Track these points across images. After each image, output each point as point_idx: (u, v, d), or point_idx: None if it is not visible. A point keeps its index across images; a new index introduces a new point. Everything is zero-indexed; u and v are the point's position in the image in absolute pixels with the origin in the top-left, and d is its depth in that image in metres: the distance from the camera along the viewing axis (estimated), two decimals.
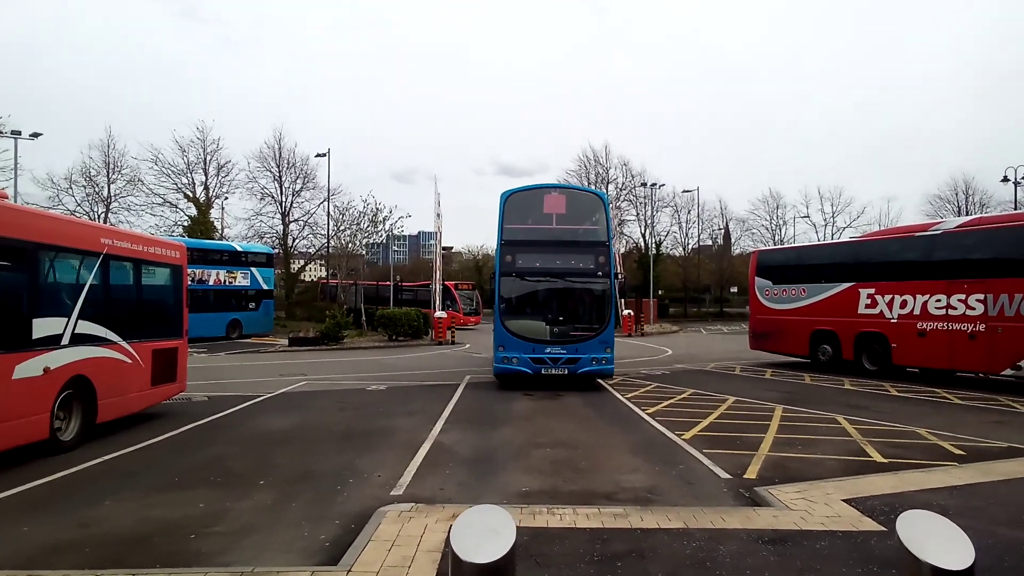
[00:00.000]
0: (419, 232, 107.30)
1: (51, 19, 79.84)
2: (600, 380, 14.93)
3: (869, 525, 5.37)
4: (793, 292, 18.99)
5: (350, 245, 36.53)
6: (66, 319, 8.42)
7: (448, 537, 2.27)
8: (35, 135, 33.33)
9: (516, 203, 14.58)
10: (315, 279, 58.50)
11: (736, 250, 60.67)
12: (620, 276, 15.55)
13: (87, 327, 8.79)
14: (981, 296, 13.93)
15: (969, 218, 16.97)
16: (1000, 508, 5.87)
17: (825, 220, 56.81)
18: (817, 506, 5.89)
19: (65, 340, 8.35)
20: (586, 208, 15.72)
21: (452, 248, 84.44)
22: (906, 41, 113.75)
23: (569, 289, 14.66)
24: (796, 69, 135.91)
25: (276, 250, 43.00)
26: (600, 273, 14.06)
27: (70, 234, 8.85)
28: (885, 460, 7.93)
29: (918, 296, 15.27)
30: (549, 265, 14.29)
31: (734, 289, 56.20)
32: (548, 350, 13.66)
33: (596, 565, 4.60)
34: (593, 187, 47.04)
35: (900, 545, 2.17)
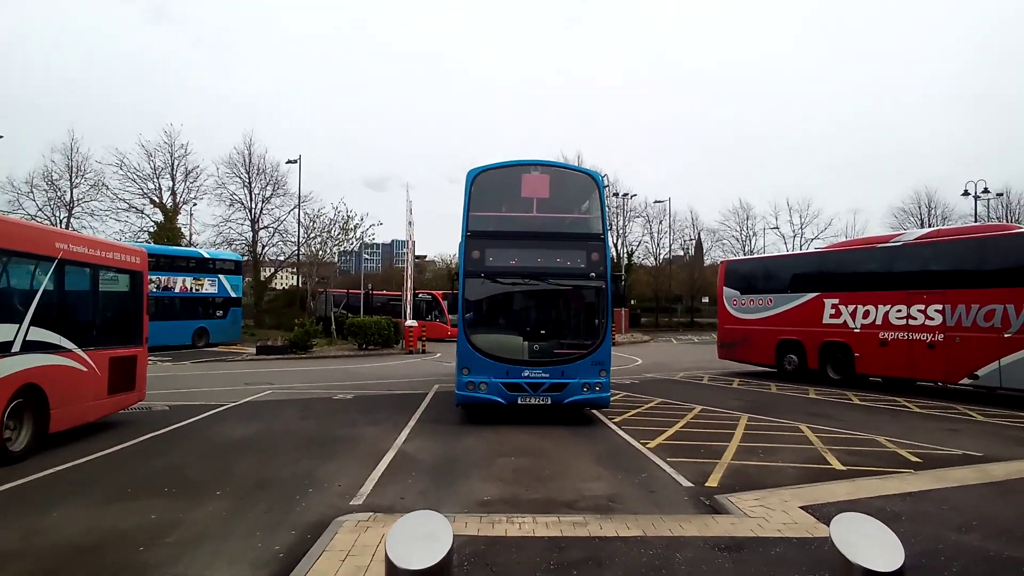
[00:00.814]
0: (392, 240, 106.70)
1: (11, 19, 78.02)
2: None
3: (824, 531, 5.40)
4: (760, 302, 19.24)
5: (320, 252, 36.18)
6: (17, 325, 8.17)
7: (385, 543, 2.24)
8: None
9: (486, 184, 11.64)
10: (287, 287, 57.70)
11: (708, 260, 61.37)
12: (621, 278, 12.34)
13: (40, 334, 8.55)
14: (939, 307, 14.27)
15: (929, 230, 17.39)
16: (951, 513, 5.99)
17: (794, 231, 57.83)
18: (775, 513, 5.94)
19: (16, 347, 8.10)
20: (576, 191, 12.52)
21: (426, 257, 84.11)
22: (874, 58, 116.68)
23: (554, 294, 11.81)
24: (767, 84, 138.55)
25: (245, 257, 42.41)
26: (593, 274, 11.21)
27: (21, 238, 8.60)
28: (844, 467, 8.04)
29: (880, 306, 15.59)
30: (528, 263, 11.37)
31: (705, 299, 56.63)
32: (526, 373, 10.80)
33: (552, 573, 4.58)
34: None
35: (832, 547, 2.19)
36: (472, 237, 11.30)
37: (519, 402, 10.76)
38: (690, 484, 7.31)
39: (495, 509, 6.27)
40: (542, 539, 5.25)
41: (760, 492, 6.71)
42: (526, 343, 11.18)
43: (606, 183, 11.28)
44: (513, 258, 11.46)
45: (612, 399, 13.95)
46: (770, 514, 5.90)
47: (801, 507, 6.12)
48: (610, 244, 11.09)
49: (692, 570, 4.63)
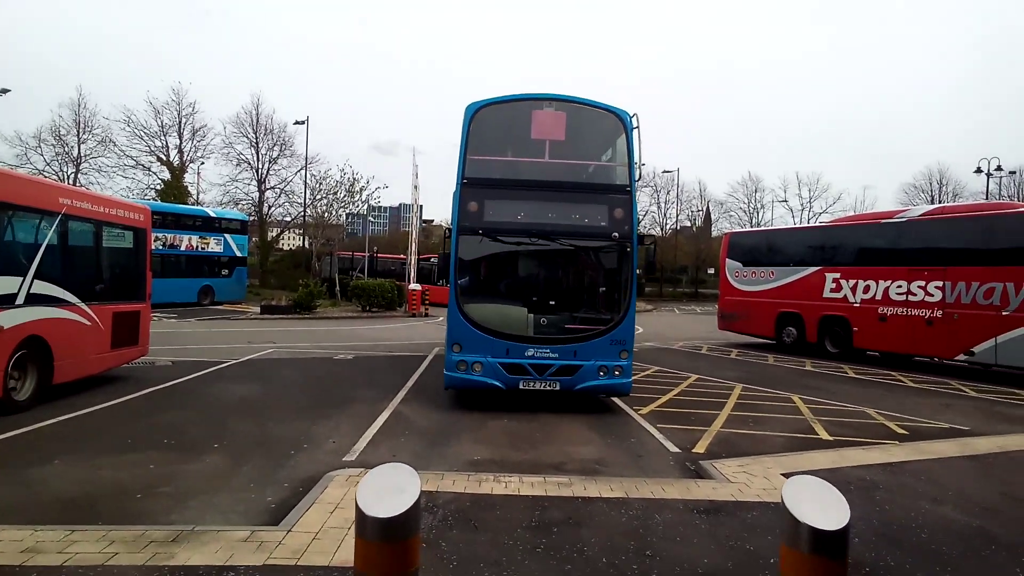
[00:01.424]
0: (400, 204, 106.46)
1: None
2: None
3: None
4: (762, 274, 19.25)
5: (327, 214, 36.24)
6: (21, 279, 8.31)
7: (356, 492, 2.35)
8: (3, 91, 32.45)
9: (489, 122, 9.77)
10: (293, 248, 57.91)
11: (715, 232, 61.16)
12: (652, 240, 10.48)
13: (43, 287, 8.69)
14: (939, 283, 14.26)
15: (933, 207, 17.30)
16: (927, 484, 6.11)
17: (802, 205, 57.69)
18: (755, 479, 6.08)
19: (20, 300, 8.26)
20: (598, 133, 10.54)
21: (433, 221, 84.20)
22: (888, 33, 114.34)
23: (567, 257, 9.98)
24: (780, 57, 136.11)
25: (251, 217, 42.52)
26: (616, 234, 9.35)
27: (25, 193, 8.69)
28: (831, 438, 8.18)
29: (880, 282, 15.59)
30: (537, 219, 9.45)
31: (711, 270, 56.46)
32: (531, 352, 9.11)
33: (532, 531, 4.73)
34: None
35: (783, 509, 2.29)
36: (469, 185, 9.47)
37: (521, 387, 9.10)
38: (677, 450, 7.46)
39: (484, 469, 6.43)
40: (526, 498, 5.41)
41: (744, 459, 6.86)
42: (531, 316, 9.42)
43: (635, 124, 9.64)
44: (519, 212, 9.53)
45: None
46: (751, 480, 6.04)
47: (782, 474, 6.25)
48: (637, 198, 9.39)
49: (669, 531, 4.78)
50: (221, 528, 4.57)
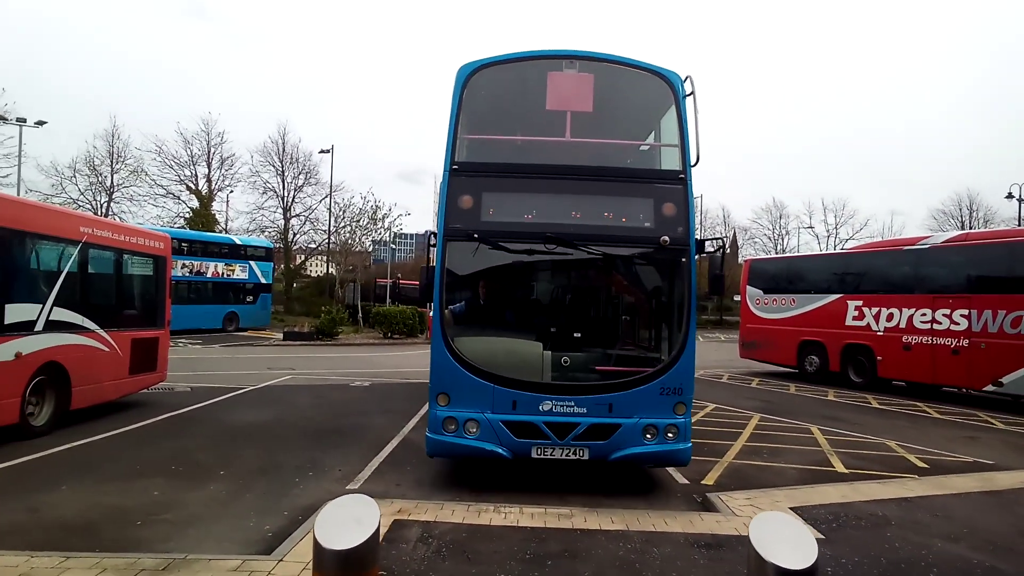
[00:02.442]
0: (426, 231, 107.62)
1: (58, 8, 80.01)
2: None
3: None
4: (783, 302, 18.96)
5: (350, 241, 36.71)
6: (41, 305, 8.53)
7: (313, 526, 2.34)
8: (40, 123, 33.65)
9: (488, 88, 7.28)
10: (320, 274, 58.59)
11: (741, 258, 60.62)
12: (717, 244, 7.60)
13: (63, 314, 8.90)
14: (965, 312, 13.90)
15: (957, 233, 16.95)
16: (942, 521, 5.90)
17: (828, 231, 56.84)
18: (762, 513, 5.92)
19: (39, 326, 8.46)
20: (639, 102, 7.89)
21: None
22: (917, 53, 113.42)
23: (597, 272, 7.37)
24: (802, 78, 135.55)
25: (276, 245, 43.24)
26: (666, 238, 6.66)
27: (47, 222, 8.95)
28: (846, 471, 7.96)
29: (904, 310, 15.26)
30: (554, 218, 6.83)
31: (737, 297, 55.93)
32: (548, 406, 6.47)
33: (525, 563, 4.66)
34: None
35: (749, 547, 2.22)
36: (460, 173, 6.86)
37: (534, 455, 6.50)
38: (686, 481, 7.32)
39: (486, 499, 6.35)
40: (524, 529, 5.33)
41: (753, 492, 6.70)
42: (548, 354, 6.81)
43: (690, 89, 6.87)
44: (529, 209, 6.93)
45: None
46: (758, 514, 5.88)
47: (791, 508, 6.09)
48: (693, 190, 6.93)
49: (665, 565, 4.67)
50: (213, 557, 4.57)
